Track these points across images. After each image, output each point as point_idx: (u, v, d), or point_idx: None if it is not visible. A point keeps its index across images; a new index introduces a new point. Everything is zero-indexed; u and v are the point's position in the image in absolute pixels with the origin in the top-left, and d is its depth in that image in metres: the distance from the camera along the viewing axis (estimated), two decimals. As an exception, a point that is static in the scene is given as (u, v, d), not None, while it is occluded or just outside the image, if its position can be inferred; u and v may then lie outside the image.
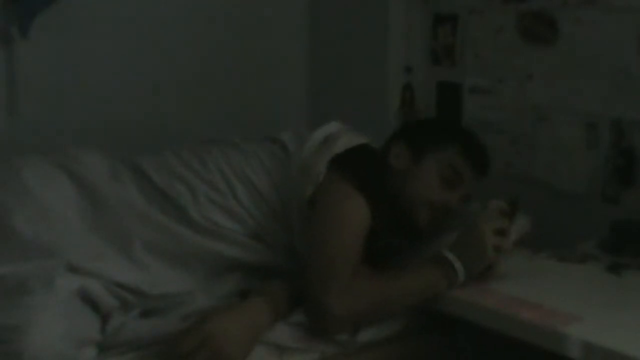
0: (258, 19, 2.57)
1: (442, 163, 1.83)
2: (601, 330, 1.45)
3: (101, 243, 1.70)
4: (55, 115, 2.21)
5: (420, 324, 1.74)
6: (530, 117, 2.19)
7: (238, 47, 2.54)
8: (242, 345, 1.56)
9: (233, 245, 1.77)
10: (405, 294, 1.65)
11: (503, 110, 2.26)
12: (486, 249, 1.66)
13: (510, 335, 1.54)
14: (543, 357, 1.50)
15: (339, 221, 1.69)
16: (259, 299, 1.63)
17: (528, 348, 1.51)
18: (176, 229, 1.74)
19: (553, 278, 1.75)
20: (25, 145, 2.06)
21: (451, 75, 2.38)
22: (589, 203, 2.07)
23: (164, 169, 1.81)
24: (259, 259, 1.79)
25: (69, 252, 1.64)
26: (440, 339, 1.76)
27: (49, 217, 1.68)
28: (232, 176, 1.80)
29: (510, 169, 2.24)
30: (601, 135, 2.04)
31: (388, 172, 1.84)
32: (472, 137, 1.92)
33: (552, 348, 1.46)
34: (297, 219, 1.77)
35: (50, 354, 1.47)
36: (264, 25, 2.59)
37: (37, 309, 1.50)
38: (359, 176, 1.74)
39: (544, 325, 1.48)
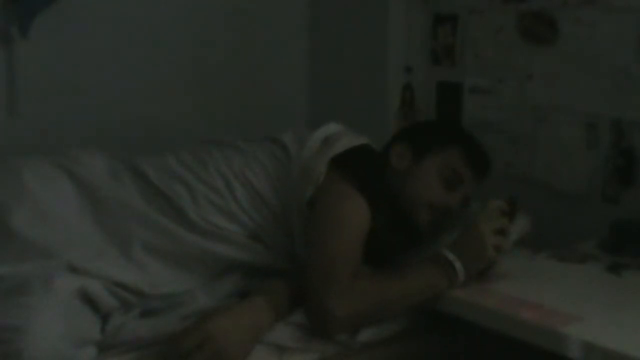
0: (258, 19, 2.57)
1: (442, 164, 1.83)
2: (601, 330, 1.45)
3: (101, 243, 1.70)
4: (55, 115, 2.21)
5: (420, 324, 1.74)
6: (530, 117, 2.19)
7: (238, 47, 2.54)
8: (242, 345, 1.56)
9: (232, 246, 1.77)
10: (406, 294, 1.65)
11: (503, 110, 2.26)
12: (486, 248, 1.67)
13: (510, 335, 1.53)
14: (543, 357, 1.50)
15: (339, 222, 1.69)
16: (259, 298, 1.63)
17: (528, 348, 1.51)
18: (175, 229, 1.74)
19: (553, 278, 1.75)
20: (25, 145, 2.06)
21: (451, 75, 2.38)
22: (589, 203, 2.07)
23: (163, 170, 1.81)
24: (258, 259, 1.79)
25: (69, 252, 1.64)
26: (440, 339, 1.76)
27: (49, 218, 1.68)
28: (232, 177, 1.80)
29: (510, 169, 2.24)
30: (601, 135, 2.04)
31: (389, 172, 1.84)
32: (472, 139, 1.93)
33: (552, 348, 1.46)
34: (297, 220, 1.77)
35: (50, 354, 1.47)
36: (264, 25, 2.59)
37: (37, 309, 1.50)
38: (359, 177, 1.74)
39: (544, 325, 1.48)
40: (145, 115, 2.36)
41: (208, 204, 1.77)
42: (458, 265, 1.64)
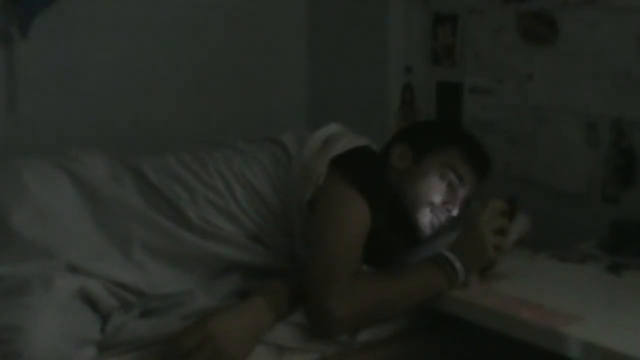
0: (258, 19, 2.57)
1: (442, 164, 1.83)
2: (601, 330, 1.45)
3: (101, 243, 1.70)
4: (55, 115, 2.21)
5: (420, 324, 1.74)
6: (530, 117, 2.19)
7: (238, 47, 2.54)
8: (242, 345, 1.56)
9: (232, 246, 1.77)
10: (406, 294, 1.65)
11: (503, 110, 2.26)
12: (486, 248, 1.67)
13: (510, 335, 1.53)
14: (543, 357, 1.50)
15: (339, 222, 1.69)
16: (259, 298, 1.63)
17: (528, 348, 1.51)
18: (175, 230, 1.74)
19: (553, 278, 1.75)
20: (25, 145, 2.06)
21: (451, 75, 2.38)
22: (589, 203, 2.07)
23: (163, 170, 1.81)
24: (258, 260, 1.79)
25: (69, 252, 1.64)
26: (440, 339, 1.76)
27: (48, 218, 1.68)
28: (232, 178, 1.80)
29: (510, 169, 2.24)
30: (601, 135, 2.04)
31: (389, 172, 1.85)
32: (472, 139, 1.93)
33: (552, 348, 1.46)
34: (297, 220, 1.77)
35: (50, 354, 1.47)
36: (264, 25, 2.59)
37: (37, 309, 1.50)
38: (360, 177, 1.74)
39: (544, 325, 1.48)
40: (145, 115, 2.37)
41: (208, 205, 1.77)
42: (458, 265, 1.64)
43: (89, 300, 1.60)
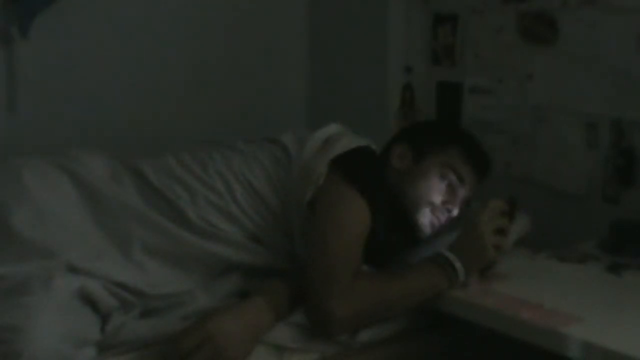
0: (258, 19, 2.57)
1: (442, 164, 1.84)
2: (601, 330, 1.45)
3: (101, 243, 1.70)
4: (55, 115, 2.21)
5: (420, 324, 1.74)
6: (530, 117, 2.19)
7: (238, 47, 2.54)
8: (242, 345, 1.56)
9: (232, 247, 1.77)
10: (406, 294, 1.65)
11: (503, 110, 2.26)
12: (486, 248, 1.67)
13: (510, 335, 1.53)
14: (543, 357, 1.50)
15: (339, 223, 1.69)
16: (259, 298, 1.63)
17: (528, 348, 1.51)
18: (175, 230, 1.74)
19: (553, 278, 1.75)
20: (25, 145, 2.06)
21: (451, 75, 2.38)
22: (589, 203, 2.07)
23: (163, 171, 1.81)
24: (258, 260, 1.79)
25: (69, 252, 1.64)
26: (440, 339, 1.76)
27: (48, 218, 1.68)
28: (232, 178, 1.80)
29: (510, 169, 2.24)
30: (601, 135, 2.04)
31: (389, 172, 1.85)
32: (472, 139, 1.93)
33: (552, 348, 1.46)
34: (297, 221, 1.77)
35: (50, 354, 1.47)
36: (263, 25, 2.59)
37: (36, 309, 1.50)
38: (360, 177, 1.74)
39: (544, 325, 1.48)
40: (145, 115, 2.37)
41: (207, 205, 1.77)
42: (458, 265, 1.64)
43: (89, 300, 1.59)
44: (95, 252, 1.68)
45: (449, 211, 1.84)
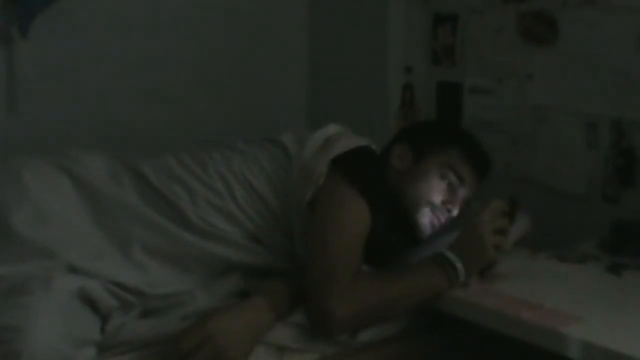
0: (258, 20, 2.57)
1: (443, 164, 1.84)
2: (601, 330, 1.45)
3: (101, 243, 1.70)
4: (55, 115, 2.21)
5: (420, 324, 1.74)
6: (530, 117, 2.19)
7: (238, 47, 2.54)
8: (242, 345, 1.56)
9: (232, 247, 1.77)
10: (406, 294, 1.65)
11: (503, 110, 2.26)
12: (486, 248, 1.67)
13: (510, 335, 1.53)
14: (543, 357, 1.50)
15: (339, 223, 1.69)
16: (260, 298, 1.63)
17: (528, 348, 1.51)
18: (175, 231, 1.74)
19: (553, 278, 1.75)
20: (25, 145, 2.06)
21: (451, 75, 2.38)
22: (589, 203, 2.07)
23: (163, 171, 1.81)
24: (258, 260, 1.79)
25: (69, 252, 1.64)
26: (440, 339, 1.76)
27: (48, 218, 1.68)
28: (232, 179, 1.80)
29: (510, 169, 2.24)
30: (601, 135, 2.04)
31: (389, 172, 1.85)
32: (472, 139, 1.93)
33: (552, 348, 1.46)
34: (297, 221, 1.77)
35: (50, 354, 1.46)
36: (264, 25, 2.59)
37: (36, 309, 1.50)
38: (360, 177, 1.74)
39: (544, 325, 1.48)
40: (145, 115, 2.37)
41: (207, 205, 1.77)
42: (459, 265, 1.64)
43: (88, 300, 1.59)
44: (95, 252, 1.68)
45: (449, 211, 1.84)
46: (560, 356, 1.45)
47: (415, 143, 1.88)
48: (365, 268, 1.72)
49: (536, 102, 2.18)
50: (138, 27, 2.32)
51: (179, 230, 1.75)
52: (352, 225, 1.69)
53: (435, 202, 1.82)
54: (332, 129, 1.87)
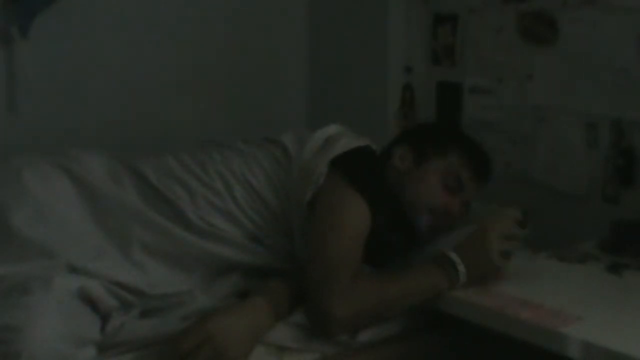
0: (258, 19, 2.57)
1: (444, 168, 1.83)
2: (601, 330, 1.45)
3: (100, 243, 1.71)
4: (55, 115, 2.21)
5: (420, 324, 1.74)
6: (530, 117, 2.19)
7: (238, 47, 2.54)
8: (242, 345, 1.56)
9: (232, 247, 1.77)
10: (406, 294, 1.65)
11: (503, 110, 2.26)
12: (493, 254, 1.65)
13: (510, 335, 1.53)
14: (543, 357, 1.50)
15: (339, 222, 1.69)
16: (260, 298, 1.63)
17: (528, 348, 1.51)
18: (174, 231, 1.74)
19: (553, 278, 1.75)
20: (25, 145, 2.06)
21: (451, 75, 2.38)
22: (589, 203, 2.07)
23: (163, 171, 1.81)
24: (258, 260, 1.79)
25: (69, 253, 1.64)
26: (440, 339, 1.76)
27: (48, 218, 1.68)
28: (232, 179, 1.80)
29: (510, 169, 2.24)
30: (601, 135, 2.04)
31: (390, 173, 1.84)
32: (474, 144, 1.92)
33: (552, 348, 1.46)
34: (297, 221, 1.77)
35: (50, 354, 1.46)
36: (264, 25, 2.59)
37: (36, 309, 1.50)
38: (359, 177, 1.74)
39: (544, 325, 1.48)
40: (145, 115, 2.36)
41: (207, 205, 1.77)
42: (461, 267, 1.64)
43: (88, 300, 1.59)
44: (95, 252, 1.68)
45: (448, 214, 1.83)
46: (560, 356, 1.45)
47: (417, 145, 1.88)
48: (366, 268, 1.72)
49: (536, 102, 2.18)
50: (138, 27, 2.32)
51: (178, 230, 1.75)
52: (352, 225, 1.69)
53: (434, 204, 1.81)
54: (332, 129, 1.87)
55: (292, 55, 2.68)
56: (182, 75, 2.44)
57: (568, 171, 2.12)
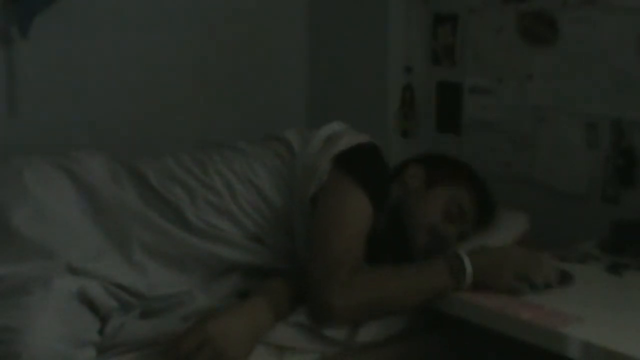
0: (258, 19, 2.57)
1: (451, 196, 1.84)
2: (601, 330, 1.45)
3: (100, 244, 1.70)
4: (55, 115, 2.21)
5: (420, 324, 1.74)
6: (530, 117, 2.19)
7: (238, 47, 2.54)
8: (242, 345, 1.56)
9: (232, 247, 1.77)
10: (407, 290, 1.65)
11: (503, 110, 2.26)
12: (508, 272, 1.63)
13: (510, 336, 1.53)
14: (543, 357, 1.50)
15: (342, 218, 1.69)
16: (260, 298, 1.63)
17: (528, 348, 1.51)
18: (174, 231, 1.74)
19: (553, 278, 1.74)
20: (25, 145, 2.06)
21: (451, 75, 2.38)
22: (589, 203, 2.07)
23: (163, 172, 1.81)
24: (258, 260, 1.79)
25: (69, 253, 1.64)
26: (440, 339, 1.76)
27: (48, 218, 1.68)
28: (233, 178, 1.80)
29: (510, 169, 2.24)
30: (601, 135, 2.04)
31: (397, 186, 1.85)
32: (485, 187, 1.93)
33: (552, 348, 1.46)
34: (299, 218, 1.77)
35: (49, 354, 1.46)
36: (264, 25, 2.59)
37: (36, 309, 1.50)
38: (363, 173, 1.74)
39: (544, 325, 1.48)
40: (145, 116, 2.36)
41: (207, 205, 1.77)
42: (469, 271, 1.62)
43: (88, 301, 1.59)
44: (95, 252, 1.68)
45: (442, 239, 1.82)
46: (560, 356, 1.45)
47: (431, 168, 1.89)
48: (365, 266, 1.71)
49: (536, 102, 2.18)
50: (138, 27, 2.32)
51: (178, 231, 1.75)
52: (354, 220, 1.69)
53: (432, 225, 1.81)
54: (335, 126, 1.87)
55: (292, 55, 2.68)
56: (183, 76, 2.44)
57: (568, 171, 2.12)
